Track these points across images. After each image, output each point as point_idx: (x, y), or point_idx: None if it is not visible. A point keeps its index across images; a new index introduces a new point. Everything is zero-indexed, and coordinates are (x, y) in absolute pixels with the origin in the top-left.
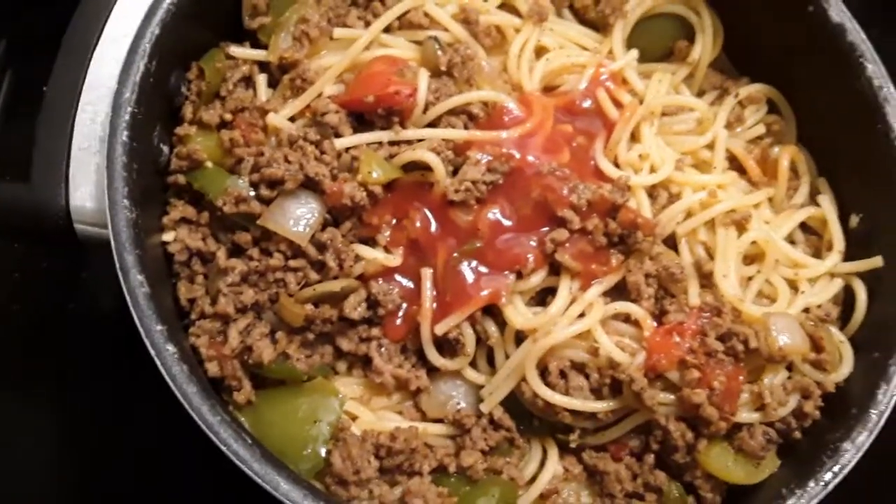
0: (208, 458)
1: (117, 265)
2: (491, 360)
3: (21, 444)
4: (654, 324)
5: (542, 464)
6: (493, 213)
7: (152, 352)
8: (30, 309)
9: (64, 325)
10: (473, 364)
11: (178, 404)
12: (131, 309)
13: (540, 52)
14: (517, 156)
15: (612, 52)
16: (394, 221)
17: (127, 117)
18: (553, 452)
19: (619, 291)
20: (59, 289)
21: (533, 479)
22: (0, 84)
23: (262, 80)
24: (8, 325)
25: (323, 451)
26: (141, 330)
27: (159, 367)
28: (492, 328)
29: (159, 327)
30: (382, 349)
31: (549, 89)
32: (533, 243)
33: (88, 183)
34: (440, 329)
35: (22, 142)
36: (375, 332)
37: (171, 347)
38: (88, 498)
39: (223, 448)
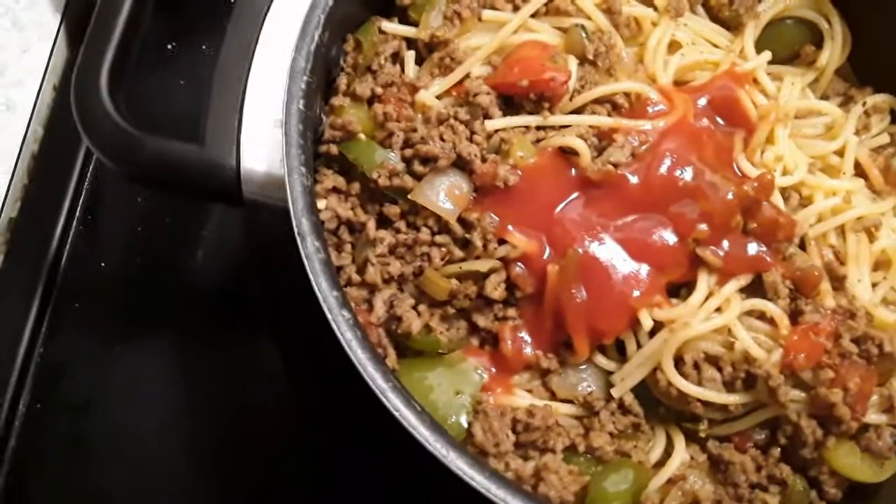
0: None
1: (295, 231)
2: (620, 347)
3: (139, 398)
4: (789, 323)
5: (666, 450)
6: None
7: (329, 316)
8: (150, 262)
9: (183, 280)
10: (603, 350)
11: (292, 360)
12: (310, 275)
13: (672, 46)
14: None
15: (743, 52)
16: None
17: (303, 85)
18: (679, 440)
19: (753, 289)
20: (181, 244)
21: (657, 464)
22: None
23: (410, 56)
24: (129, 277)
25: (465, 422)
26: (319, 295)
27: (336, 333)
28: None
29: (335, 293)
30: (518, 331)
31: (678, 84)
32: (673, 239)
33: (258, 147)
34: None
35: (147, 97)
36: (512, 312)
37: (346, 313)
38: (202, 448)
39: (395, 413)
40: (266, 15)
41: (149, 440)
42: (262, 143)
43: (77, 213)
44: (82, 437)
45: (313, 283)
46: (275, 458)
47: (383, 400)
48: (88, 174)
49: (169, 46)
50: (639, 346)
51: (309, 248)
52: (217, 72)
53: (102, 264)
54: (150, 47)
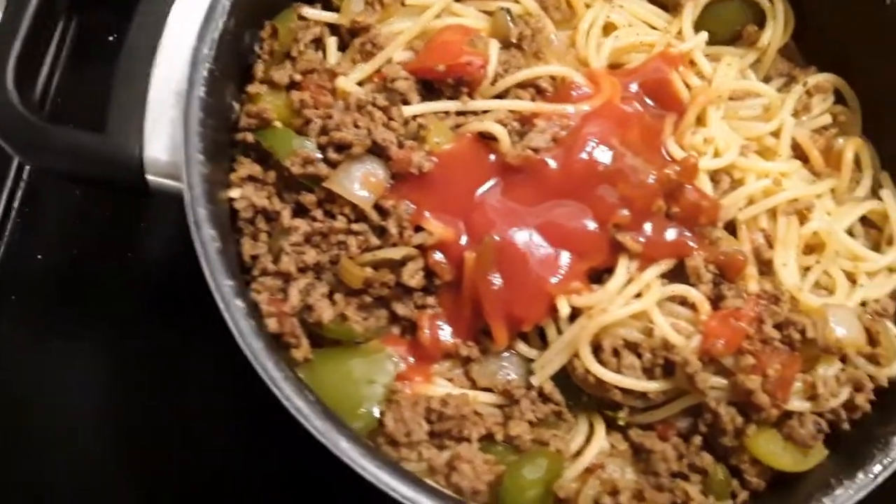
0: (263, 409)
1: (190, 219)
2: (542, 334)
3: (75, 391)
4: (710, 308)
5: (588, 439)
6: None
7: (221, 306)
8: (88, 255)
9: (121, 273)
10: (525, 337)
11: (233, 356)
12: (202, 263)
13: (607, 28)
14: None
15: (681, 33)
16: None
17: (205, 73)
18: (600, 428)
19: (676, 274)
20: (118, 236)
21: (578, 453)
22: (66, 32)
23: (332, 42)
24: (66, 270)
25: (376, 412)
26: (211, 284)
27: (227, 322)
28: None
29: (229, 282)
30: (436, 319)
31: (613, 67)
32: (592, 225)
33: (162, 136)
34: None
35: (84, 90)
36: (431, 300)
37: (239, 302)
38: (138, 443)
39: (286, 403)
40: (172, 3)
41: (84, 432)
42: (166, 132)
43: (15, 205)
44: (17, 430)
45: (206, 272)
46: (209, 450)
47: (274, 390)
48: (27, 167)
49: (110, 38)
50: (559, 333)
51: (204, 237)
52: (122, 59)
53: (39, 257)
54: (91, 39)
